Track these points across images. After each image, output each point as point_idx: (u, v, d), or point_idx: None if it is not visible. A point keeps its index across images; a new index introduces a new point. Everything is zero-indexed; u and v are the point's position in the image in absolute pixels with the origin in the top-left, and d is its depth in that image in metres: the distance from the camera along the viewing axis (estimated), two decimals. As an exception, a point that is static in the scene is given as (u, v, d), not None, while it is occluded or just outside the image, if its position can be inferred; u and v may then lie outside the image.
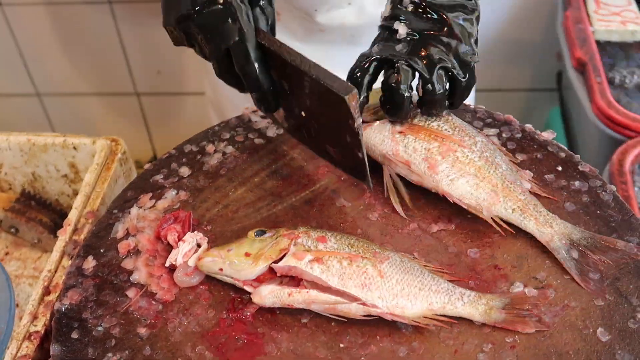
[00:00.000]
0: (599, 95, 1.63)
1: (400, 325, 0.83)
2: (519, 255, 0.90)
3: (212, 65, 0.95)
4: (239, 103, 1.34)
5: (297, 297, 0.83)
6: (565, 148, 1.04)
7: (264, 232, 0.89)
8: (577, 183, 0.98)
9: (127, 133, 2.61)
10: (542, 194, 0.96)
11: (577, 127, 1.91)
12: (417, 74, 0.93)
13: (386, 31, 0.97)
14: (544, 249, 0.90)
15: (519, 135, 1.06)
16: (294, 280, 0.85)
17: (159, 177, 1.05)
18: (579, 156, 1.03)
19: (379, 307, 0.82)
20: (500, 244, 0.92)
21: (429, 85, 0.93)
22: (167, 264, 0.91)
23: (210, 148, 1.09)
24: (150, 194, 1.02)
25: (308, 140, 1.02)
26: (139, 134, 2.65)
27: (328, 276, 0.83)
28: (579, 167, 1.01)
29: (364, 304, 0.82)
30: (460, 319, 0.83)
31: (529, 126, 1.08)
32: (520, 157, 1.03)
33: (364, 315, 0.82)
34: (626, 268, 0.87)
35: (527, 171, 0.99)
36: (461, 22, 0.95)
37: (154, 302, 0.88)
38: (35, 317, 0.95)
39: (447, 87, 0.95)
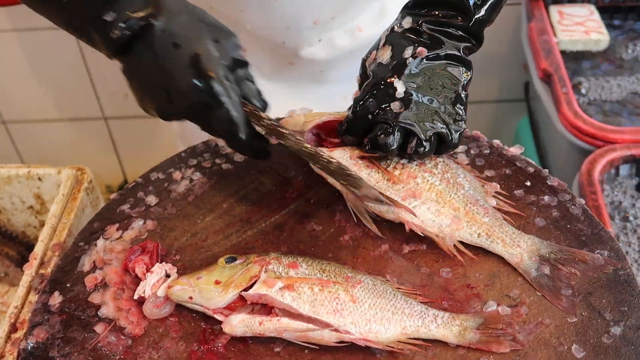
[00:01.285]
0: (566, 105, 1.64)
1: (374, 350, 0.82)
2: (491, 273, 0.90)
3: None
4: None
5: (269, 326, 0.82)
6: (534, 163, 1.05)
7: (234, 259, 0.88)
8: (546, 198, 0.98)
9: (97, 158, 2.59)
10: (509, 209, 0.96)
11: (545, 137, 1.92)
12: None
13: (382, 84, 0.94)
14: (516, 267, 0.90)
15: (487, 152, 1.06)
16: (265, 307, 0.84)
17: (125, 207, 1.03)
18: (547, 170, 1.03)
19: (352, 332, 0.81)
20: (472, 262, 0.91)
21: (421, 148, 0.92)
22: (135, 297, 0.89)
23: (177, 175, 1.08)
24: (117, 225, 1.00)
25: None
26: (108, 158, 2.62)
27: (299, 303, 0.81)
28: (548, 182, 1.01)
29: (336, 330, 0.81)
30: (434, 341, 0.82)
31: (496, 142, 1.08)
32: (488, 173, 1.03)
33: (337, 342, 0.81)
34: (598, 282, 0.87)
35: (494, 184, 0.98)
36: (460, 90, 0.95)
37: (123, 337, 0.86)
38: (2, 357, 0.93)
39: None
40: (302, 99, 1.17)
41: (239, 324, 0.83)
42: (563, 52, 1.86)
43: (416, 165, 0.96)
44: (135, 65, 0.91)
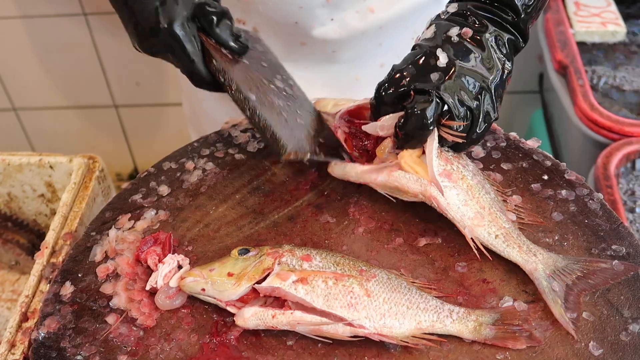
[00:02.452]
0: (582, 97, 1.62)
1: (389, 345, 0.81)
2: (508, 268, 0.88)
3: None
4: (217, 117, 1.31)
5: (282, 319, 0.81)
6: (551, 156, 1.03)
7: (247, 251, 0.87)
8: (564, 192, 0.97)
9: (107, 146, 2.58)
10: (527, 220, 0.93)
11: (560, 129, 1.90)
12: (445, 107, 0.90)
13: (424, 55, 0.93)
14: (532, 261, 0.89)
15: (503, 144, 1.05)
16: (278, 300, 0.83)
17: (137, 197, 1.02)
18: (565, 164, 1.01)
19: (366, 327, 0.80)
20: (488, 258, 0.90)
21: (454, 123, 0.90)
22: (147, 288, 0.88)
23: (189, 165, 1.07)
24: (129, 215, 0.99)
25: None
26: (119, 146, 2.61)
27: (313, 297, 0.80)
28: (565, 176, 0.99)
29: (350, 324, 0.79)
30: (449, 336, 0.81)
31: (513, 134, 1.07)
32: (505, 166, 1.01)
33: (351, 336, 0.80)
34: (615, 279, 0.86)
35: (515, 197, 0.96)
36: (498, 80, 0.93)
37: (134, 328, 0.85)
38: (13, 345, 0.92)
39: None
40: (315, 78, 1.16)
41: (251, 316, 0.82)
42: (579, 44, 1.83)
43: (452, 155, 0.94)
44: (114, 2, 1.01)
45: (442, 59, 0.91)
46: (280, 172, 1.04)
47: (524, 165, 1.02)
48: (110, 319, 0.86)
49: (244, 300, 0.84)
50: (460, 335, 0.81)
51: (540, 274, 0.85)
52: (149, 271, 0.91)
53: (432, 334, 0.81)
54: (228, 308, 0.84)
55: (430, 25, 0.97)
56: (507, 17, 0.94)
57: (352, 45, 1.35)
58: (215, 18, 0.98)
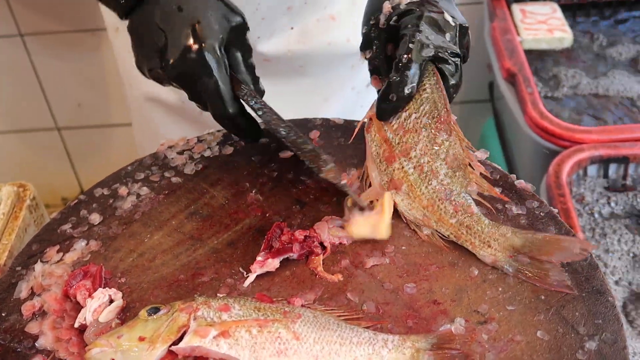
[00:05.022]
0: (531, 105, 1.60)
1: (330, 385, 0.75)
2: (458, 287, 0.85)
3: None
4: (170, 135, 1.26)
5: None
6: (500, 168, 1.00)
7: (157, 310, 0.77)
8: (514, 206, 0.93)
9: (51, 170, 2.50)
10: (493, 193, 0.92)
11: (511, 138, 1.89)
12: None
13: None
14: (484, 279, 0.85)
15: (451, 157, 1.01)
16: (199, 359, 0.75)
17: (67, 227, 0.96)
18: (514, 176, 0.98)
19: None
20: (438, 276, 0.86)
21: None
22: (76, 325, 0.82)
23: (123, 191, 1.01)
24: (58, 247, 0.93)
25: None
26: (63, 170, 2.53)
27: (238, 350, 0.73)
28: (515, 189, 0.96)
29: None
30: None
31: (462, 146, 1.03)
32: (453, 180, 0.98)
33: (287, 385, 0.74)
34: (570, 294, 0.83)
35: (478, 164, 0.94)
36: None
37: (62, 370, 0.79)
38: None
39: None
40: (283, 96, 1.12)
41: None
42: (527, 51, 1.82)
43: (404, 122, 0.93)
44: (137, 23, 0.94)
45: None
46: (219, 194, 0.99)
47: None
48: (36, 361, 0.80)
49: None
50: None
51: (502, 261, 0.85)
52: (78, 307, 0.84)
53: None
54: None
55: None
56: None
57: (318, 59, 1.33)
58: (244, 54, 0.96)
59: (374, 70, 0.99)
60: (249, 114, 0.96)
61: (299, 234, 0.89)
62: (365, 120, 0.96)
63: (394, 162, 0.92)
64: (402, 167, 0.92)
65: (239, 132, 0.98)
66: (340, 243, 0.90)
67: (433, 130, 0.92)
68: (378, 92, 0.94)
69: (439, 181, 0.90)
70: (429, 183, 0.90)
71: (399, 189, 0.92)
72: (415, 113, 0.92)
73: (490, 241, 0.86)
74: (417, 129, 0.92)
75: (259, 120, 0.96)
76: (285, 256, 0.88)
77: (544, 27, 1.89)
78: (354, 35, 1.27)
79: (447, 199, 0.89)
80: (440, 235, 0.90)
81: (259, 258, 0.86)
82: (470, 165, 0.92)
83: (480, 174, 0.93)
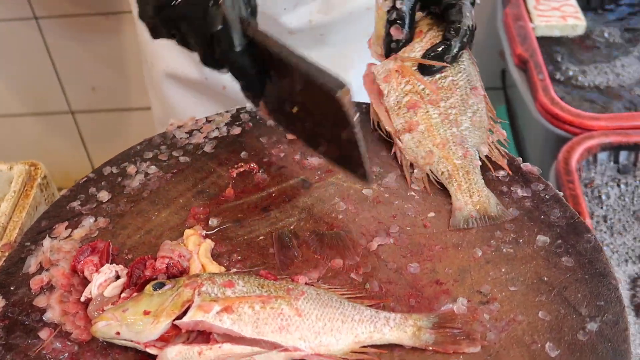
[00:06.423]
0: (542, 92, 1.59)
1: (330, 363, 0.76)
2: (461, 268, 0.85)
3: (198, 53, 0.90)
4: (191, 114, 1.26)
5: (209, 355, 0.74)
6: (507, 151, 1.00)
7: (163, 285, 0.79)
8: (519, 188, 0.94)
9: (65, 153, 2.52)
10: (500, 162, 0.96)
11: (523, 125, 1.88)
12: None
13: None
14: (487, 260, 0.85)
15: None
16: (203, 334, 0.76)
17: (75, 204, 0.97)
18: (520, 159, 0.98)
19: (301, 349, 0.74)
20: (442, 257, 0.86)
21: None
22: (82, 299, 0.84)
23: (131, 169, 1.02)
24: (66, 223, 0.94)
25: (303, 135, 0.94)
26: (76, 153, 2.55)
27: (240, 326, 0.74)
28: (521, 171, 0.96)
29: (285, 349, 0.74)
30: (391, 345, 0.77)
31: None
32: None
33: (288, 361, 0.75)
34: (573, 275, 0.83)
35: (501, 130, 1.00)
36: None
37: (69, 343, 0.80)
38: (-58, 366, 0.87)
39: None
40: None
41: (175, 356, 0.75)
42: (539, 38, 1.81)
43: (439, 81, 1.00)
44: None
45: None
46: (225, 174, 1.00)
47: (479, 160, 0.98)
48: (44, 333, 0.81)
49: (164, 339, 0.76)
50: (401, 343, 0.76)
51: (464, 214, 0.90)
52: (85, 282, 0.86)
53: (372, 346, 0.76)
54: (148, 350, 0.76)
55: None
56: None
57: (339, 28, 1.34)
58: None
59: (394, 21, 1.01)
60: (255, 54, 0.90)
61: (160, 264, 0.84)
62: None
63: (418, 108, 0.97)
64: (427, 112, 0.97)
65: (244, 72, 0.91)
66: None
67: (467, 92, 0.99)
68: (395, 42, 1.01)
69: (459, 129, 0.95)
70: (449, 128, 0.95)
71: (414, 129, 0.96)
72: (453, 77, 0.99)
73: (475, 194, 0.91)
74: (452, 89, 0.98)
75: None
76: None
77: (558, 13, 1.87)
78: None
79: (460, 144, 0.94)
80: (431, 178, 0.94)
81: (123, 295, 0.83)
82: (490, 130, 0.98)
83: (498, 141, 0.98)
